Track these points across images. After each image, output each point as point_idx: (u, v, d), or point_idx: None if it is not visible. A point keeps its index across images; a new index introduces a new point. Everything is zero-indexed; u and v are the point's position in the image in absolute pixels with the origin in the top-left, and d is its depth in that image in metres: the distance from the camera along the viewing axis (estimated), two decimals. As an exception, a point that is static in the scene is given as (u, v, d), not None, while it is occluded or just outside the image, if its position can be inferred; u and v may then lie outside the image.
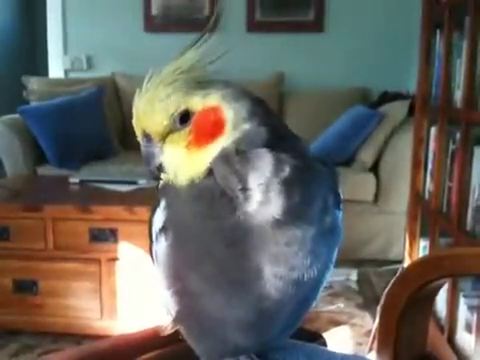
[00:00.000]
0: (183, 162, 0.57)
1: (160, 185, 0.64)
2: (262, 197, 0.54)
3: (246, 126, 0.57)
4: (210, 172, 0.56)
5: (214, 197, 0.56)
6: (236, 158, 0.55)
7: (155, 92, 0.57)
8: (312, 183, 0.57)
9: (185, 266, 0.60)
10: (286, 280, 0.57)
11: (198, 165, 0.57)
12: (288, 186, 0.54)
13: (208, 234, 0.56)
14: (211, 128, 0.57)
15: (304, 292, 0.60)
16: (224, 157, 0.56)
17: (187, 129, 0.57)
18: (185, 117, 0.57)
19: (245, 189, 0.54)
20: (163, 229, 0.62)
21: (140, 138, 0.60)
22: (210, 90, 0.57)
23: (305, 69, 3.60)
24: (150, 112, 0.57)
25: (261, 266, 0.56)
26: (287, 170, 0.55)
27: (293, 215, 0.55)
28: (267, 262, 0.56)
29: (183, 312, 0.63)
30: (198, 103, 0.57)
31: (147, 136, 0.59)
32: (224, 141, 0.57)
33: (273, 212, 0.54)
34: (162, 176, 0.60)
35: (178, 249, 0.60)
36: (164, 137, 0.58)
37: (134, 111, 0.59)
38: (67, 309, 2.02)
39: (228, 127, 0.57)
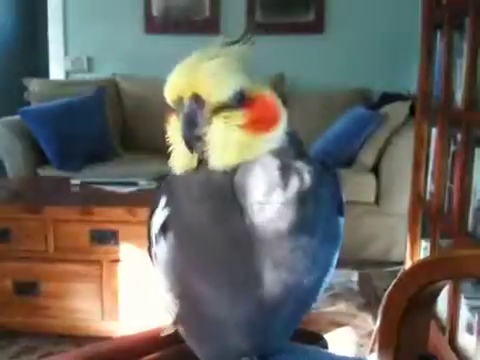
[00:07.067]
0: (235, 142, 0.55)
1: (163, 182, 0.63)
2: (275, 214, 0.54)
3: (286, 133, 0.57)
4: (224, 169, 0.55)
5: (225, 198, 0.55)
6: (275, 172, 0.54)
7: (228, 61, 0.55)
8: (323, 196, 0.58)
9: (187, 267, 0.59)
10: (286, 283, 0.57)
11: (249, 150, 0.55)
12: (303, 204, 0.55)
13: (213, 235, 0.56)
14: (272, 117, 0.56)
15: (304, 295, 0.61)
16: (264, 165, 0.55)
17: (244, 110, 0.55)
18: (241, 98, 0.55)
19: (263, 203, 0.54)
20: (163, 229, 0.61)
21: (185, 99, 0.55)
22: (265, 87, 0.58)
23: (305, 70, 3.60)
24: (219, 78, 0.54)
25: (263, 270, 0.56)
26: (306, 187, 0.55)
27: (301, 227, 0.56)
28: (269, 266, 0.56)
29: (184, 314, 0.63)
30: (258, 91, 0.57)
31: (198, 100, 0.55)
32: (275, 139, 0.56)
33: (282, 226, 0.55)
34: (197, 146, 0.55)
35: (180, 249, 0.59)
36: (216, 110, 0.55)
37: (189, 69, 0.55)
38: (68, 311, 2.02)
39: (280, 125, 0.57)
